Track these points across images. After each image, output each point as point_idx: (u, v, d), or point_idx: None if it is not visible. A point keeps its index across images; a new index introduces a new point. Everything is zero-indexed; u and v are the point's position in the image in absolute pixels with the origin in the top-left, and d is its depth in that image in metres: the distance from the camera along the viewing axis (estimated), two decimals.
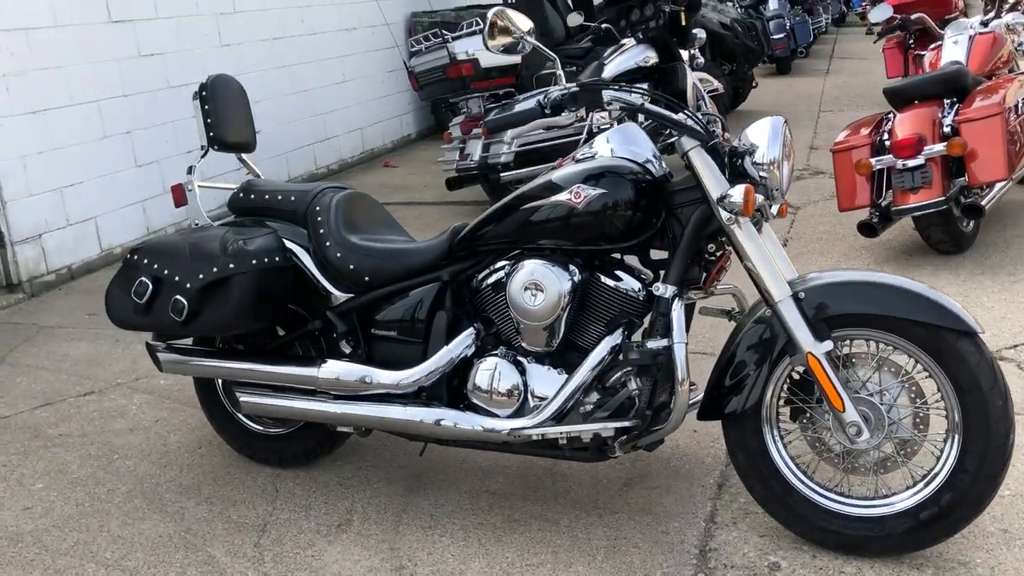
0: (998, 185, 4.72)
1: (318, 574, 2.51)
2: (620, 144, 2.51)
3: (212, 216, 3.05)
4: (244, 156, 3.20)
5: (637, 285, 2.48)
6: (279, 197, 2.90)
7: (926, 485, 2.31)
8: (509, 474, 2.93)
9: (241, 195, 2.98)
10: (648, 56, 6.84)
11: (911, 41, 9.63)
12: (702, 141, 2.38)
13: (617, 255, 2.57)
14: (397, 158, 9.07)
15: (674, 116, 2.40)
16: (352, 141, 8.74)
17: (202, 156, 3.04)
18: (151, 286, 2.77)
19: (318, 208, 2.83)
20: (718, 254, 2.49)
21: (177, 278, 2.73)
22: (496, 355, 2.60)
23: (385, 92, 9.31)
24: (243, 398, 2.87)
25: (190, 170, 3.05)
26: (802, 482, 2.43)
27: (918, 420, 2.35)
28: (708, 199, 2.35)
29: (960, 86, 4.73)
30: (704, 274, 2.49)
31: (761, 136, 2.39)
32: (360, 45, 8.83)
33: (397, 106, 9.55)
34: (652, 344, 2.32)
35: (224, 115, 3.03)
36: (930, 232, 4.66)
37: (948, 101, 4.66)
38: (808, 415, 2.44)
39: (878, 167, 4.56)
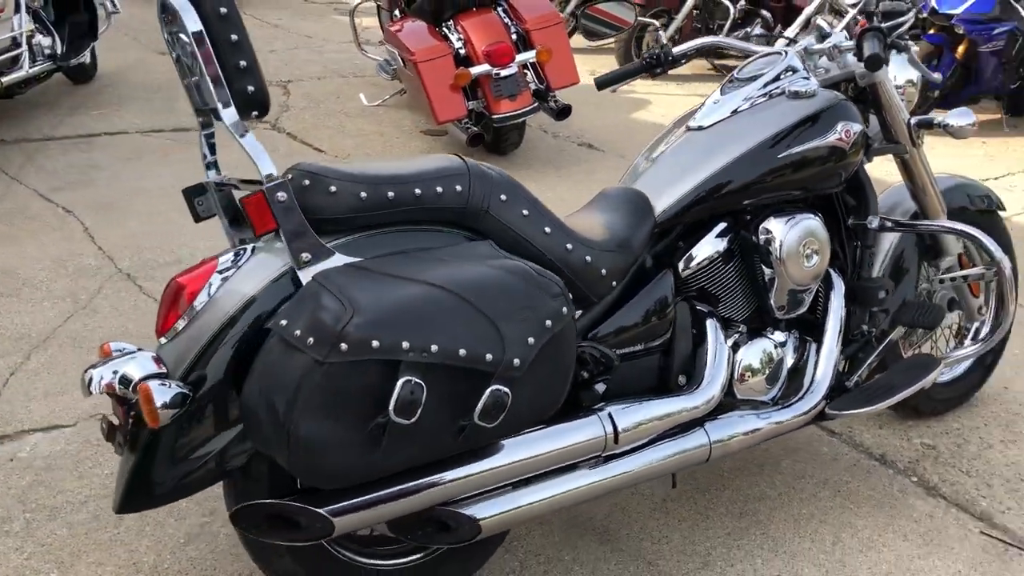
0: None
1: None
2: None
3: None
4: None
5: None
6: (416, 191, 1.73)
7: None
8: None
9: (312, 191, 1.68)
10: None
11: None
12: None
13: None
14: None
15: None
16: None
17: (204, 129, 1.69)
18: (424, 387, 1.47)
19: (504, 198, 1.83)
20: None
21: (490, 356, 1.51)
22: (750, 337, 2.22)
23: None
24: (485, 517, 1.76)
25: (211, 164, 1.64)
26: None
27: None
28: (891, 123, 2.38)
29: None
30: None
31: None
32: None
33: None
34: (972, 271, 2.35)
35: (240, 48, 1.65)
36: (509, 135, 4.95)
37: (500, 8, 4.90)
38: None
39: (475, 76, 4.62)
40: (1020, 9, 5.91)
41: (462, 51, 4.72)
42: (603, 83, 2.57)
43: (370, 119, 5.65)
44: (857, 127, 2.23)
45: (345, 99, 6.01)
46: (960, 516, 2.43)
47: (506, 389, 1.55)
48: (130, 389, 1.60)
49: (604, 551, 2.22)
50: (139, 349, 1.71)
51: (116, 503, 1.67)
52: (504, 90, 4.64)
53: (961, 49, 5.84)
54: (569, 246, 1.88)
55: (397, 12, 5.72)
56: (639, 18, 2.73)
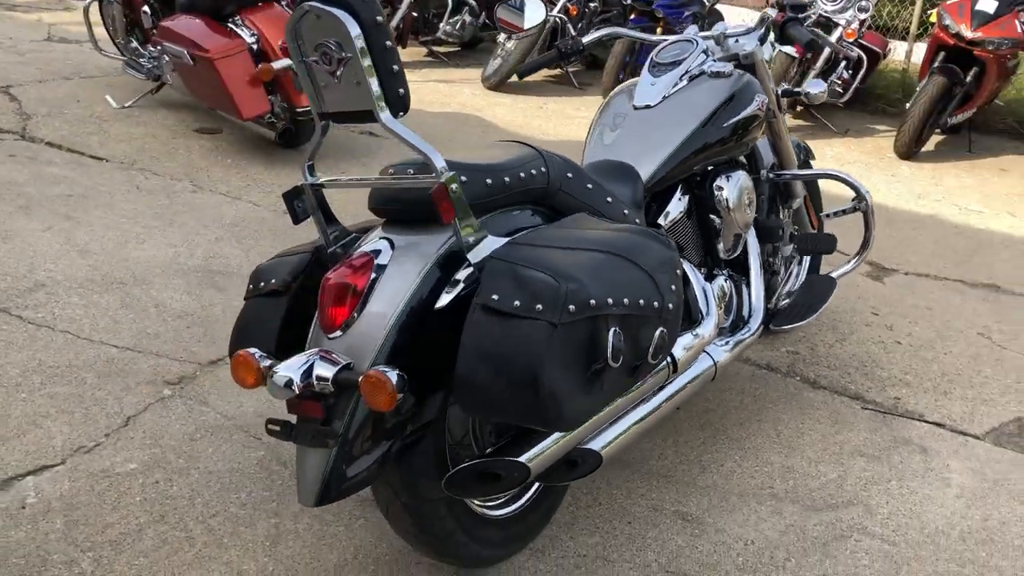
0: None
1: None
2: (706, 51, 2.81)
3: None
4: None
5: None
6: (521, 175, 1.99)
7: None
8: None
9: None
10: None
11: None
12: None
13: None
14: None
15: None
16: None
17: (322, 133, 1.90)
18: (623, 335, 1.73)
19: (570, 176, 2.12)
20: None
21: (656, 303, 1.80)
22: (708, 278, 2.68)
23: None
24: (602, 448, 2.04)
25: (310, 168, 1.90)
26: None
27: None
28: (766, 93, 2.96)
29: None
30: None
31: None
32: None
33: None
34: (846, 207, 2.97)
35: (393, 53, 1.81)
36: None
37: (283, 3, 4.90)
38: None
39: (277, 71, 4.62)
40: None
41: (255, 46, 4.68)
42: (523, 72, 2.89)
43: (130, 121, 5.33)
44: (764, 98, 2.76)
45: (88, 102, 5.58)
46: (843, 399, 3.11)
47: (667, 331, 1.86)
48: (329, 384, 1.68)
49: (627, 474, 2.58)
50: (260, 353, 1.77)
51: (314, 496, 1.72)
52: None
53: (659, 30, 6.79)
54: (626, 211, 2.21)
55: (147, 8, 5.44)
56: (548, 15, 3.06)
